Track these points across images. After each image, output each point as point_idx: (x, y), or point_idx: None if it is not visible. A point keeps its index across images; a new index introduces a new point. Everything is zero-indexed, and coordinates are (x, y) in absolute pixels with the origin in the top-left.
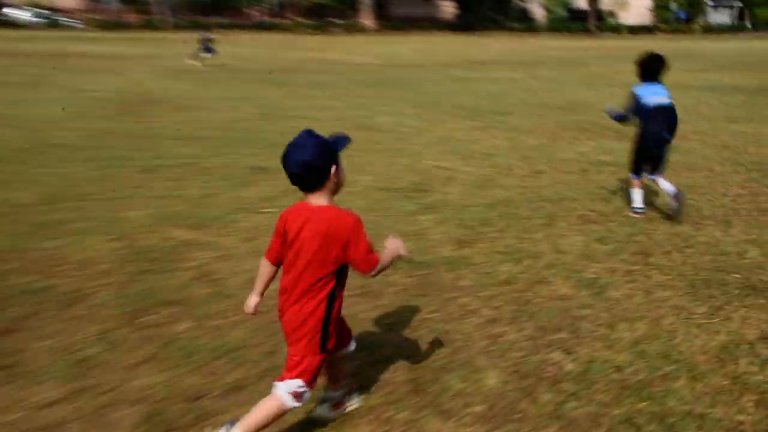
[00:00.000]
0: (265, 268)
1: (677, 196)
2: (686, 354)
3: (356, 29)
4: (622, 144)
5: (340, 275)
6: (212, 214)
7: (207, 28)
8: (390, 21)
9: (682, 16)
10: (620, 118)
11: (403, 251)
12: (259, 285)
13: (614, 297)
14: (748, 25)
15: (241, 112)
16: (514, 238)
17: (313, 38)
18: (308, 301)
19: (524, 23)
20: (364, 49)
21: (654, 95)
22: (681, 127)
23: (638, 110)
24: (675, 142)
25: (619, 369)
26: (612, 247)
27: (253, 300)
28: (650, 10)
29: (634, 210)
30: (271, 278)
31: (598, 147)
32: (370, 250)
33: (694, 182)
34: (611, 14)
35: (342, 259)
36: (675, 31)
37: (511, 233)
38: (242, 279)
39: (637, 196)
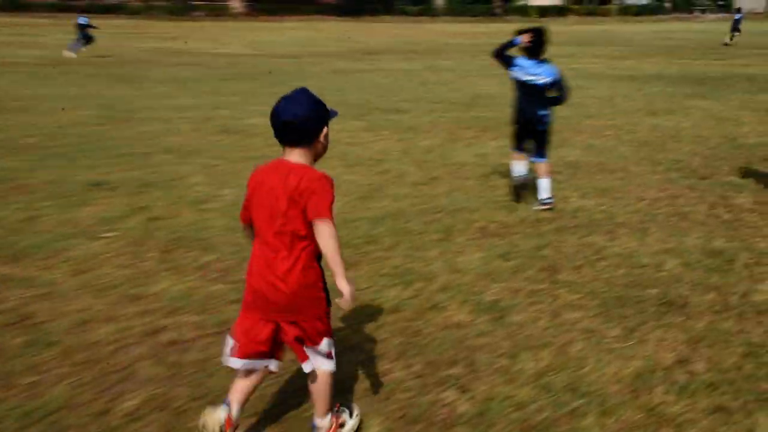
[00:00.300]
0: (249, 231)
1: (544, 201)
2: (596, 385)
3: (223, 13)
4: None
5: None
6: (33, 242)
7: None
8: (263, 4)
9: None
10: (509, 46)
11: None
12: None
13: (517, 322)
14: (667, 4)
15: (78, 115)
16: (403, 257)
17: (170, 24)
18: (299, 262)
19: (421, 6)
20: (233, 37)
21: (531, 72)
22: (595, 123)
23: (514, 83)
24: (589, 140)
25: (520, 407)
26: (515, 263)
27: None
28: None
29: (513, 177)
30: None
31: (502, 147)
32: (328, 204)
33: (608, 185)
34: None
35: (305, 210)
36: (589, 12)
37: (400, 252)
38: (69, 322)
39: (518, 166)
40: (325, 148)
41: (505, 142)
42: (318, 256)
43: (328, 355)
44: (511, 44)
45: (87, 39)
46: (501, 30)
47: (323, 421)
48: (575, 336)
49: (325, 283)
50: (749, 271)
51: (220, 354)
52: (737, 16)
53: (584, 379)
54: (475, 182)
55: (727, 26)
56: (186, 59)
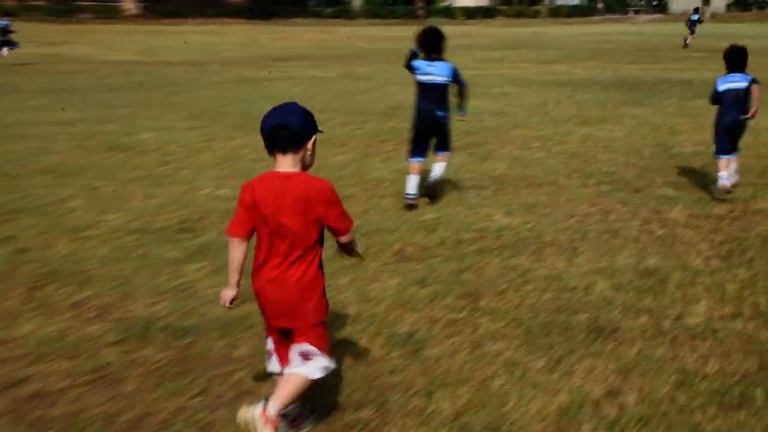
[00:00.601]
0: (237, 248)
1: (431, 184)
2: (520, 423)
3: (114, 15)
4: (452, 156)
5: (322, 240)
6: None
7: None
8: (161, 5)
9: None
10: (413, 57)
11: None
12: (234, 272)
13: (434, 356)
14: (599, 5)
15: None
16: None
17: (51, 27)
18: (303, 267)
19: (336, 7)
20: (125, 42)
21: (424, 72)
22: (523, 134)
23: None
24: (516, 152)
25: None
26: (433, 289)
27: (230, 293)
28: None
29: (405, 195)
30: (245, 258)
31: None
32: (345, 212)
33: (536, 201)
34: None
35: (321, 221)
36: (518, 14)
37: None
38: None
39: (412, 182)
40: (312, 159)
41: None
42: (321, 262)
43: (310, 358)
44: (414, 54)
45: (9, 44)
46: None
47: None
48: (497, 369)
49: (324, 294)
50: (683, 291)
51: (92, 406)
52: (694, 17)
53: (506, 417)
54: (393, 200)
55: (662, 27)
56: (70, 67)
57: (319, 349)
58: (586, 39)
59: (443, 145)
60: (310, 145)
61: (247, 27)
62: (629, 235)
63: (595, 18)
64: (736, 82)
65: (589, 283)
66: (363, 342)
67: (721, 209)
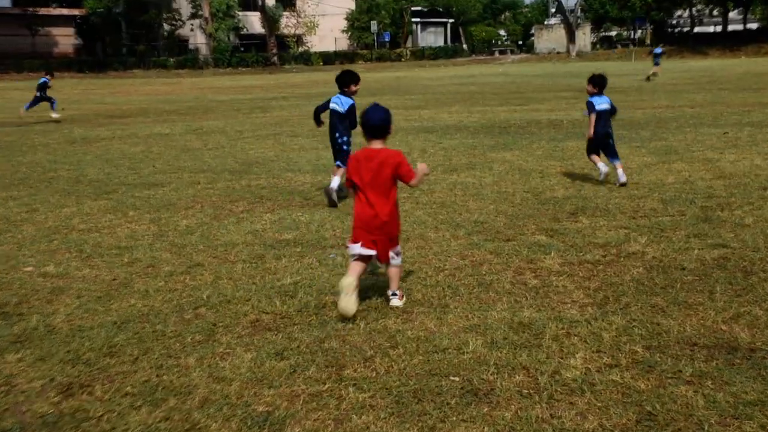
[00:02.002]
0: (353, 190)
1: (329, 191)
2: None
3: None
4: (312, 214)
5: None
6: None
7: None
8: None
9: (386, 38)
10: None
11: (428, 170)
12: (348, 187)
13: None
14: (465, 46)
15: None
16: (153, 368)
17: None
18: (390, 202)
19: (182, 56)
20: None
21: (332, 101)
22: None
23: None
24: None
25: None
26: (293, 361)
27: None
28: (345, 32)
29: (327, 188)
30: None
31: (280, 221)
32: (411, 169)
33: (404, 256)
34: (298, 40)
35: (396, 174)
36: (380, 58)
37: (149, 362)
38: None
39: (334, 182)
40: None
41: (284, 213)
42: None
43: (399, 254)
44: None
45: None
46: (277, 82)
47: (397, 292)
48: None
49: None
50: (559, 344)
51: None
52: (657, 50)
53: None
54: (247, 266)
55: (529, 68)
56: None
57: (401, 251)
58: (452, 82)
59: (339, 157)
60: (390, 130)
61: (77, 81)
62: (502, 287)
63: (461, 60)
64: (605, 103)
65: (461, 342)
66: (215, 427)
67: (594, 254)
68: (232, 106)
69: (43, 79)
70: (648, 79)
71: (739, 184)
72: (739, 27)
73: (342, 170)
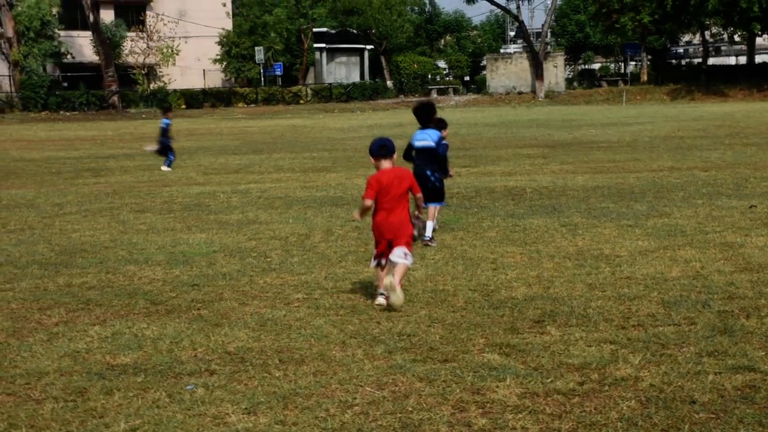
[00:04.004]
0: (368, 203)
1: (425, 238)
2: None
3: None
4: (162, 325)
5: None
6: None
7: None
8: None
9: (278, 70)
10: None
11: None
12: (365, 210)
13: None
14: (390, 83)
15: None
16: None
17: None
18: (403, 210)
19: None
20: None
21: (416, 138)
22: (277, 282)
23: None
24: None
25: None
26: None
27: (357, 213)
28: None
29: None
30: (371, 209)
31: (114, 337)
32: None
33: (295, 386)
34: (149, 73)
35: (410, 187)
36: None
37: None
38: None
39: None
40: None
41: (120, 326)
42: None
43: (407, 256)
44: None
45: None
46: (124, 132)
47: (398, 284)
48: None
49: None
50: None
51: None
52: None
53: None
54: (60, 406)
55: (479, 113)
56: None
57: (410, 250)
58: (372, 134)
59: (432, 198)
60: (394, 156)
61: None
62: (437, 430)
63: (384, 102)
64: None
65: None
66: None
67: (567, 381)
68: (48, 167)
69: (166, 121)
70: None
71: None
72: None
73: (436, 209)
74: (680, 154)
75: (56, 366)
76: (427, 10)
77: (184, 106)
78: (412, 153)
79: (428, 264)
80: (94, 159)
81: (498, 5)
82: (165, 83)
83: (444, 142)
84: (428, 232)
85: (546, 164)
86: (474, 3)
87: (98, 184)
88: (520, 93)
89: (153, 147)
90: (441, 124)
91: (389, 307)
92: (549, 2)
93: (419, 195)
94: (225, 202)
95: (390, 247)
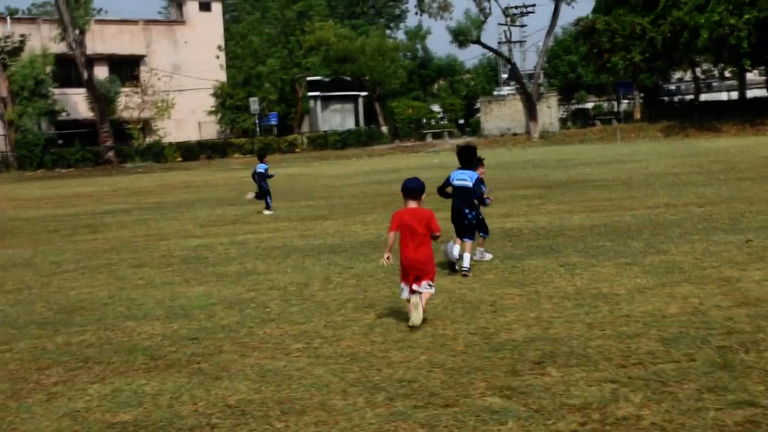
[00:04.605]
0: (392, 237)
1: (463, 269)
2: None
3: None
4: (162, 381)
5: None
6: None
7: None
8: None
9: (273, 120)
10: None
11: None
12: (390, 246)
13: None
14: (384, 129)
15: None
16: None
17: None
18: (426, 248)
19: None
20: None
21: (456, 178)
22: (276, 333)
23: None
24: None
25: None
26: None
27: (387, 254)
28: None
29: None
30: (395, 241)
31: (113, 394)
32: (437, 225)
33: None
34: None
35: (428, 227)
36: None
37: None
38: None
39: (456, 250)
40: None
41: (119, 383)
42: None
43: (431, 287)
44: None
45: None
46: (120, 187)
47: (421, 306)
48: None
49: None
50: None
51: None
52: None
53: None
54: None
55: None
56: None
57: (433, 281)
58: (368, 180)
59: (467, 233)
60: (423, 196)
61: None
62: None
63: (379, 148)
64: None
65: None
66: None
67: (568, 422)
68: (44, 225)
69: (264, 166)
70: None
71: None
72: (763, 92)
73: (470, 244)
74: (676, 190)
75: (55, 427)
76: (419, 55)
77: (180, 159)
78: (446, 189)
79: (427, 308)
80: (90, 215)
81: (490, 48)
82: (160, 137)
83: (481, 180)
84: (465, 263)
85: (542, 204)
86: (466, 47)
87: (95, 241)
88: (514, 134)
89: (251, 194)
90: (478, 162)
91: (411, 326)
92: (541, 44)
93: (437, 234)
94: (223, 254)
95: (417, 279)
